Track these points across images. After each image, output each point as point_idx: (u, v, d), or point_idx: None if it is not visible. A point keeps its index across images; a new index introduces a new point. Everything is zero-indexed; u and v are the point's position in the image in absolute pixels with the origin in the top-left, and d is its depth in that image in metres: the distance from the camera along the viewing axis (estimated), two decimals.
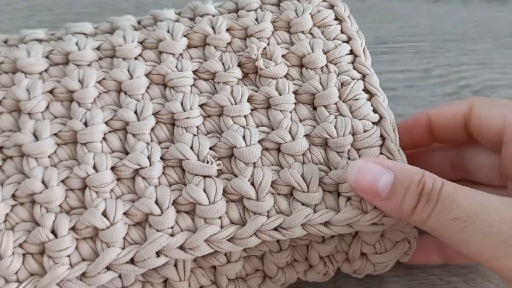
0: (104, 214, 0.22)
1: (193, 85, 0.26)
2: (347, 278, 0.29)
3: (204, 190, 0.23)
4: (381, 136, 0.24)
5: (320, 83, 0.25)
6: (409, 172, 0.22)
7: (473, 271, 0.29)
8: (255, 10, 0.28)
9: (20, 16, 0.40)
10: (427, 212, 0.21)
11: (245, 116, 0.25)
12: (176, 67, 0.26)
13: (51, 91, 0.25)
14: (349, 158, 0.24)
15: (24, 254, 0.22)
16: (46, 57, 0.26)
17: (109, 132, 0.24)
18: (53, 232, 0.22)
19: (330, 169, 0.24)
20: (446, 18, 0.42)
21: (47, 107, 0.25)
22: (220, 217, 0.23)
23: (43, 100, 0.25)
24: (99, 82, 0.25)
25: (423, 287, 0.29)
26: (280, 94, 0.25)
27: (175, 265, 0.24)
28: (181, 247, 0.22)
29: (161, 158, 0.24)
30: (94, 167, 0.23)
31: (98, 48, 0.27)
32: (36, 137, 0.24)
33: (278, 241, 0.25)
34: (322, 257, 0.26)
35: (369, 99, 0.25)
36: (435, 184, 0.21)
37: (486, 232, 0.20)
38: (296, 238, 0.25)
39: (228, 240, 0.23)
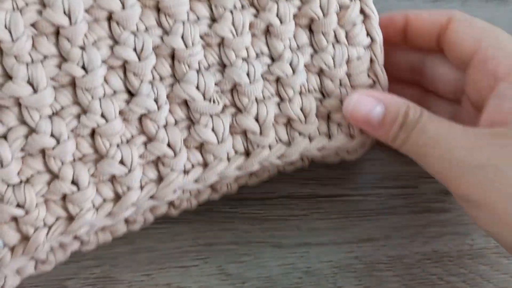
0: (121, 161, 0.23)
1: (190, 9, 0.24)
2: (347, 278, 0.29)
3: (213, 130, 0.24)
4: (370, 58, 0.26)
5: (320, 7, 0.25)
6: (397, 105, 0.25)
7: (473, 271, 0.29)
8: None
9: None
10: (403, 138, 0.25)
11: (246, 49, 0.25)
12: None
13: (33, 25, 0.22)
14: (340, 84, 0.26)
15: (46, 202, 0.22)
16: None
17: (108, 70, 0.23)
18: (73, 182, 0.22)
19: (324, 96, 0.26)
20: None
21: (33, 45, 0.22)
22: (228, 153, 0.24)
23: (28, 40, 0.22)
24: (86, 10, 0.22)
25: (423, 286, 0.29)
26: (281, 22, 0.25)
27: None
28: (195, 181, 0.24)
29: (166, 96, 0.24)
30: (103, 116, 0.22)
31: None
32: (32, 86, 0.21)
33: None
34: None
35: (363, 20, 0.26)
36: (415, 115, 0.24)
37: (447, 156, 0.23)
38: None
39: (236, 169, 0.25)
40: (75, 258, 0.28)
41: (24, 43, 0.21)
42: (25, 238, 0.22)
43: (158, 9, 0.24)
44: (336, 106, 0.25)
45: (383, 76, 0.26)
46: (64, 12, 0.22)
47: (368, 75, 0.26)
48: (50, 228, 0.22)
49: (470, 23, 0.27)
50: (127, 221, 0.26)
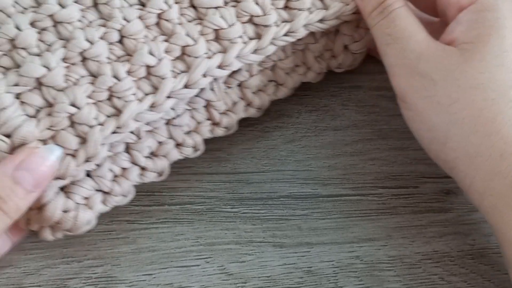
0: (150, 53, 0.26)
1: None
2: (348, 278, 0.29)
3: (221, 17, 0.27)
4: None
5: None
6: None
7: (474, 271, 0.29)
8: None
9: None
10: (376, 21, 0.27)
11: None
12: None
13: None
14: None
15: (94, 103, 0.25)
16: None
17: None
18: (114, 77, 0.25)
19: None
20: None
21: None
22: (240, 36, 0.27)
23: None
24: None
25: (423, 286, 0.29)
26: None
27: (212, 89, 0.29)
28: (219, 66, 0.27)
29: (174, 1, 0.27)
30: (125, 19, 0.26)
31: None
32: (61, 5, 0.26)
33: (283, 50, 0.30)
34: (315, 57, 0.32)
35: None
36: (394, 5, 0.27)
37: (400, 53, 0.26)
38: (294, 44, 0.30)
39: (252, 52, 0.27)
40: (77, 258, 0.28)
41: None
42: (83, 141, 0.24)
43: None
44: None
45: None
46: None
47: None
48: (103, 125, 0.24)
49: None
50: (178, 144, 0.29)
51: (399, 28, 0.26)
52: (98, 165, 0.26)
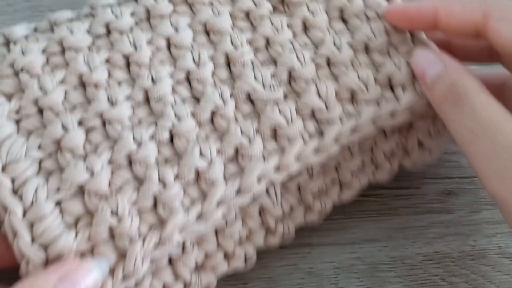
0: (201, 155, 0.24)
1: (233, 25, 0.27)
2: (349, 279, 0.29)
3: (280, 113, 0.25)
4: None
5: None
6: (454, 72, 0.23)
7: (475, 272, 0.29)
8: None
9: (22, 17, 0.40)
10: (450, 114, 0.23)
11: (291, 42, 0.26)
12: (212, 12, 0.27)
13: (106, 61, 0.26)
14: (389, 55, 0.26)
15: (137, 211, 0.23)
16: (87, 31, 0.27)
17: (175, 84, 0.25)
18: (160, 181, 0.23)
19: (377, 69, 0.26)
20: None
21: (109, 75, 0.25)
22: (300, 134, 0.25)
23: (104, 69, 0.25)
24: (148, 42, 0.26)
25: (424, 287, 0.29)
26: (314, 16, 0.27)
27: (267, 192, 0.26)
28: (276, 169, 0.24)
29: (230, 95, 0.25)
30: (176, 117, 0.24)
31: (132, 14, 0.27)
32: (112, 103, 0.24)
33: (348, 147, 0.27)
34: (386, 155, 0.28)
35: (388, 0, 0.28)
36: (470, 93, 0.22)
37: (489, 152, 0.21)
38: (361, 143, 0.28)
39: (313, 152, 0.25)
40: None
41: (100, 71, 0.25)
42: (122, 256, 0.22)
43: (207, 32, 0.27)
44: (393, 70, 0.26)
45: (428, 41, 0.27)
46: (130, 44, 0.26)
47: (413, 42, 0.27)
48: (144, 239, 0.22)
49: (509, 19, 0.23)
50: (227, 255, 0.26)
51: (483, 121, 0.21)
52: (137, 284, 0.23)
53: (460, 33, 0.25)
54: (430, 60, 0.24)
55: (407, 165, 0.29)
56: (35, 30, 0.28)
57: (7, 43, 0.27)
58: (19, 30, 0.27)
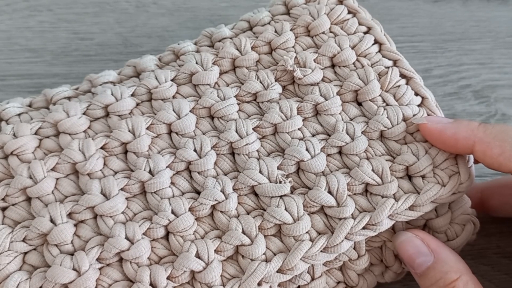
0: (197, 255, 0.22)
1: (239, 110, 0.26)
2: None
3: (286, 209, 0.23)
4: (427, 114, 0.26)
5: (360, 78, 0.25)
6: (447, 268, 0.22)
7: (474, 271, 0.29)
8: (269, 23, 0.28)
9: (20, 16, 0.40)
10: None
11: (299, 129, 0.25)
12: (218, 96, 0.25)
13: (102, 147, 0.24)
14: (405, 143, 0.25)
15: None
16: (84, 113, 0.25)
17: (174, 175, 0.24)
18: (151, 285, 0.22)
19: (393, 158, 0.24)
20: (446, 18, 0.42)
21: (104, 164, 0.24)
22: (307, 232, 0.23)
23: (99, 158, 0.24)
24: (147, 128, 0.25)
25: None
26: (326, 99, 0.25)
27: None
28: (279, 270, 0.22)
29: (233, 188, 0.24)
30: (173, 213, 0.23)
31: (133, 94, 0.26)
32: (105, 196, 0.23)
33: (355, 247, 0.25)
34: (397, 256, 0.26)
35: (407, 83, 0.26)
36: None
37: None
38: (370, 241, 0.26)
39: (321, 251, 0.22)
40: None
41: (95, 160, 0.23)
42: None
43: (211, 117, 0.25)
44: (411, 161, 0.24)
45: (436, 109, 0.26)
46: (129, 131, 0.24)
47: None
48: None
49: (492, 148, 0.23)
50: None
51: None
52: None
53: (496, 170, 0.24)
54: (420, 251, 0.23)
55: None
56: (30, 105, 0.26)
57: None
58: (12, 109, 0.25)
